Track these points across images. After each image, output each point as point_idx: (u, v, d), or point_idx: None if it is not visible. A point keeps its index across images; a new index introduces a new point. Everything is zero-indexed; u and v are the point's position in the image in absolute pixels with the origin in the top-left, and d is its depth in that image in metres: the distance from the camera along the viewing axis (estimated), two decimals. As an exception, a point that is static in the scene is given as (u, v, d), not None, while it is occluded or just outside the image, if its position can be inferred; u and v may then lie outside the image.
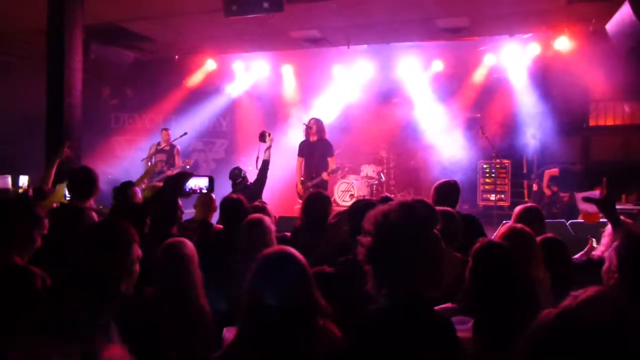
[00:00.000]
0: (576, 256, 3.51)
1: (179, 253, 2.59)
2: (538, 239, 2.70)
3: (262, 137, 6.31)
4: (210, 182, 4.11)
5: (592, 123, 10.04)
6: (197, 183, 4.09)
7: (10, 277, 2.27)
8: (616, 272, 1.89)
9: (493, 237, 3.00)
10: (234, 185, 5.85)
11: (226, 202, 3.91)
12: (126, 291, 2.00)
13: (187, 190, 3.97)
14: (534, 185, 8.92)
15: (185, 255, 2.59)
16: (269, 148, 6.18)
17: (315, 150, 7.60)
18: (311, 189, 7.52)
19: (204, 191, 4.13)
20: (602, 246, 3.18)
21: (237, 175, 5.87)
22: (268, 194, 6.06)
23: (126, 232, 2.06)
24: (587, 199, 2.94)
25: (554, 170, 8.18)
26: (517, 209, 3.50)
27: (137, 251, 2.06)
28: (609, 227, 3.04)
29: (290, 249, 1.90)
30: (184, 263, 2.58)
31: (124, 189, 4.31)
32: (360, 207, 2.53)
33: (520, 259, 2.00)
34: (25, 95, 7.98)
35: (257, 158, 6.40)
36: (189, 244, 2.67)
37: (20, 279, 2.26)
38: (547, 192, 8.39)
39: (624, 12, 6.42)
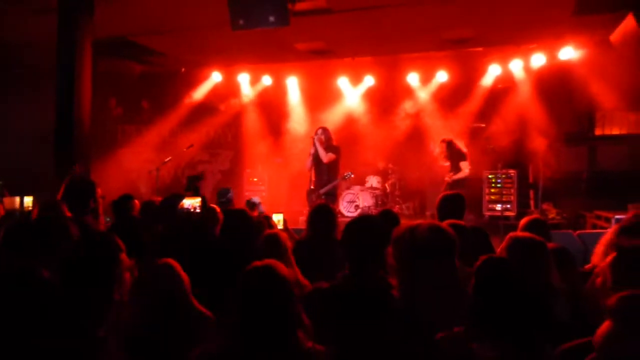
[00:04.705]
0: (586, 267, 3.49)
1: None
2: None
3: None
4: (203, 202, 4.11)
5: (598, 132, 10.01)
6: (191, 203, 4.10)
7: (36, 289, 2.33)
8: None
9: (499, 248, 2.99)
10: (217, 202, 5.68)
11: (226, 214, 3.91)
12: (120, 299, 2.01)
13: (182, 210, 3.98)
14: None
15: None
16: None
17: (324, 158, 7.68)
18: (323, 197, 7.56)
19: (198, 211, 4.10)
20: (596, 255, 3.04)
21: (222, 195, 5.80)
22: (274, 206, 6.05)
23: (112, 243, 2.10)
24: None
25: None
26: (522, 220, 3.50)
27: (126, 260, 2.09)
28: (605, 236, 3.00)
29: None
30: None
31: (123, 202, 4.38)
32: (354, 222, 2.48)
33: (524, 272, 1.98)
34: (34, 110, 8.04)
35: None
36: None
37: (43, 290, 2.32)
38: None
39: (628, 23, 6.46)
